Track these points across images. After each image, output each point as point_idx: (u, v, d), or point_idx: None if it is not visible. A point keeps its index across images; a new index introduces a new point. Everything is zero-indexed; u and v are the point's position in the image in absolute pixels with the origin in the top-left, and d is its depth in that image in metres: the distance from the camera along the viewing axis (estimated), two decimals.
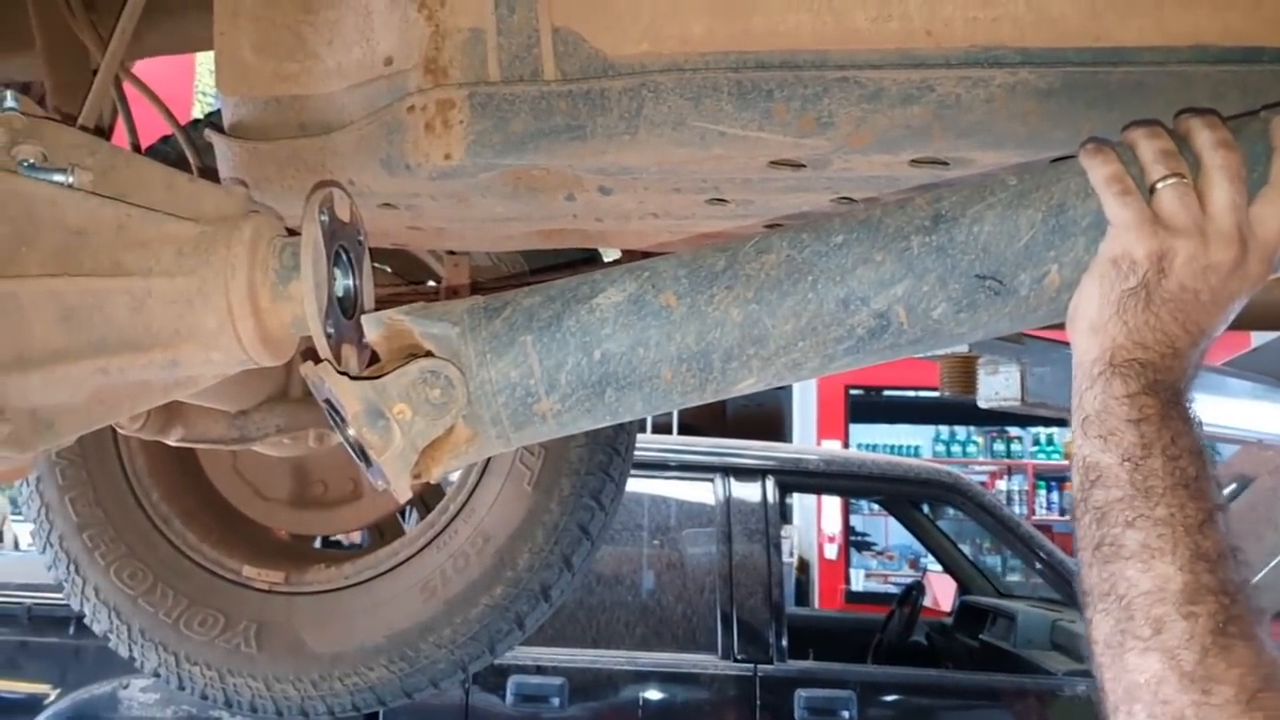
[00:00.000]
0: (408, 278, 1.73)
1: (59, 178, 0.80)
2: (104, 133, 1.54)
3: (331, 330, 0.80)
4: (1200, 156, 0.73)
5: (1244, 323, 1.96)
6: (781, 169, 1.00)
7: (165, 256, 0.80)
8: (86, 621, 1.86)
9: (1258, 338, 2.47)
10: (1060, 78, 0.89)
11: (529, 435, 0.85)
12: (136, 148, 1.58)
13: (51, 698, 3.22)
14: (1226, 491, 4.16)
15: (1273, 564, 3.52)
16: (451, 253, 1.62)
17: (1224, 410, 2.02)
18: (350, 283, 0.84)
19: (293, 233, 0.83)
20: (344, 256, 0.83)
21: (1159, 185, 0.72)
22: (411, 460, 0.80)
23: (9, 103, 0.83)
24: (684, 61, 0.94)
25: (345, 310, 0.83)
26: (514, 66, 0.97)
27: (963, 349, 1.53)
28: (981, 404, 1.58)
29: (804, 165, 0.99)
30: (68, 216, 0.80)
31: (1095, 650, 0.67)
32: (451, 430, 0.82)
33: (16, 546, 7.11)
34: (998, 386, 1.54)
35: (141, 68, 1.65)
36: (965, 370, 1.57)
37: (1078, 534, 0.70)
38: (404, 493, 0.81)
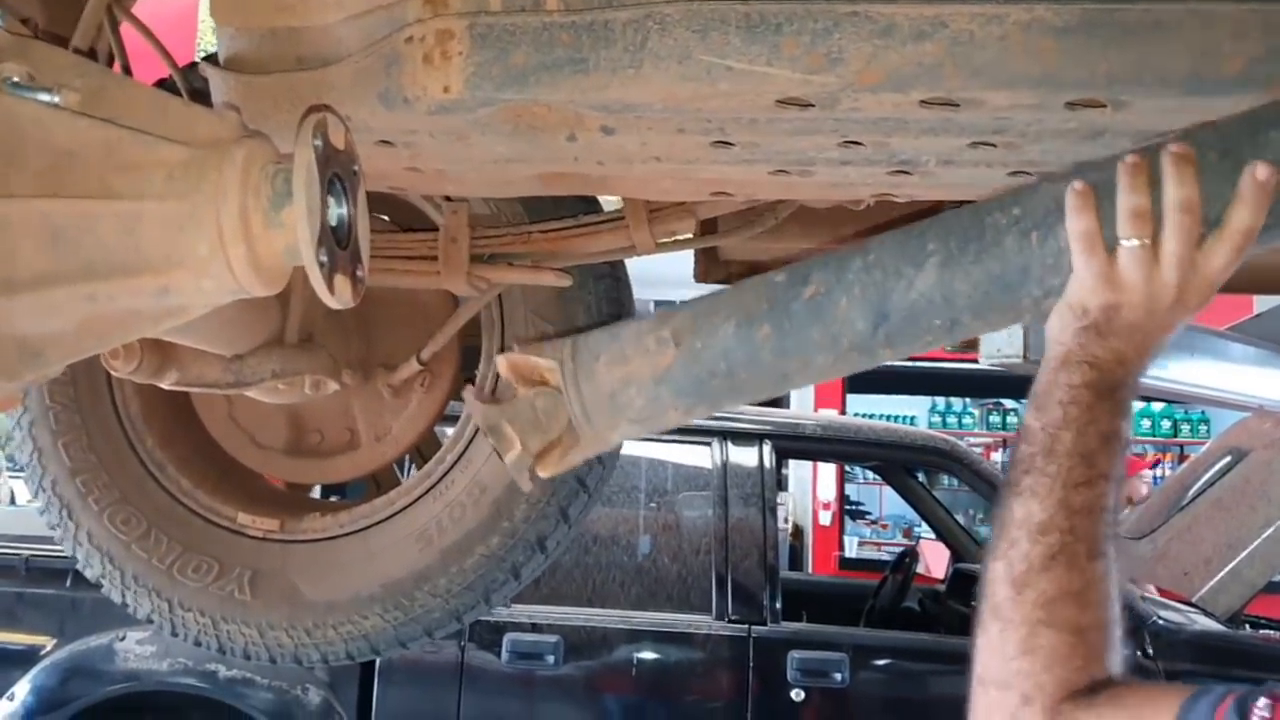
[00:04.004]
0: (404, 225, 1.71)
1: (45, 97, 0.78)
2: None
3: (324, 259, 0.78)
4: (1164, 210, 0.84)
5: (1247, 286, 1.95)
6: (788, 109, 0.97)
7: (156, 180, 0.78)
8: (79, 567, 1.85)
9: (1260, 303, 2.45)
10: (1078, 15, 0.87)
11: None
12: None
13: (49, 648, 3.24)
14: (1220, 465, 4.18)
15: (1265, 535, 3.53)
16: (449, 199, 1.60)
17: (1225, 375, 2.01)
18: (344, 211, 0.82)
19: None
20: (338, 184, 0.81)
21: (1123, 243, 0.85)
22: (528, 461, 1.23)
23: None
24: None
25: (339, 240, 0.81)
26: None
27: None
28: (983, 362, 1.56)
29: (812, 104, 0.96)
30: (55, 137, 0.77)
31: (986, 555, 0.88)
32: (559, 436, 1.22)
33: (13, 501, 7.12)
34: (1000, 343, 1.53)
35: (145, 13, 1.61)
36: None
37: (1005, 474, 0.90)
38: (526, 485, 1.28)
